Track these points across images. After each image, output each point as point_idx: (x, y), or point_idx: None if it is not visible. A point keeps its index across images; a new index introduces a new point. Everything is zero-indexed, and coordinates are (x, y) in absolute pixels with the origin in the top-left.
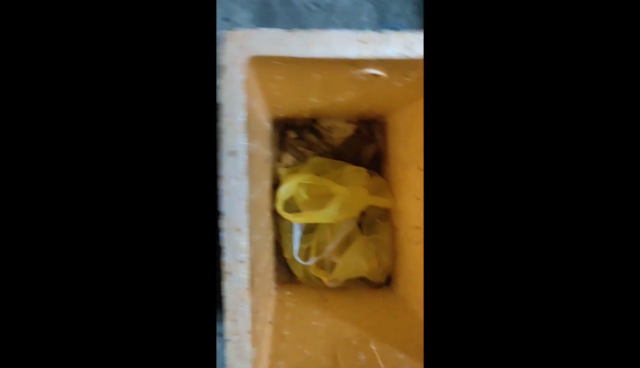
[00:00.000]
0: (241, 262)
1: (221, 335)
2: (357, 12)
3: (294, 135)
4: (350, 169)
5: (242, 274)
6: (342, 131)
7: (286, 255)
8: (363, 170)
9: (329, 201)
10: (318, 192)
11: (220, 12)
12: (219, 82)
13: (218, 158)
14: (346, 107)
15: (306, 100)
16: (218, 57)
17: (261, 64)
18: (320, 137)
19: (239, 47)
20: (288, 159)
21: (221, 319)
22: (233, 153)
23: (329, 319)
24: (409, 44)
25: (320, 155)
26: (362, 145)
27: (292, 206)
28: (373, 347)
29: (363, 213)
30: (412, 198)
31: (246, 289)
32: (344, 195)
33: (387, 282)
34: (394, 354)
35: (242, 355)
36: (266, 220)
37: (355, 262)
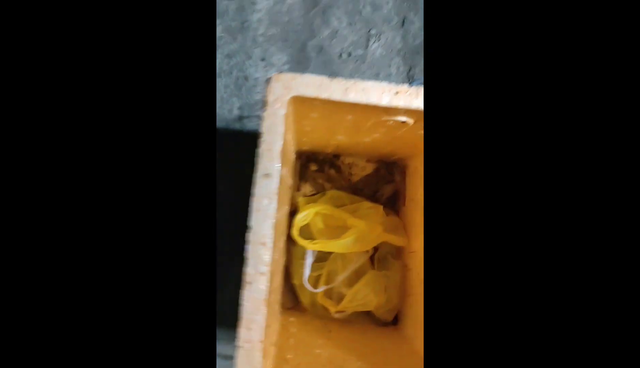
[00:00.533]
0: (262, 273)
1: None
2: (386, 64)
3: (315, 168)
4: (367, 205)
5: (262, 285)
6: (361, 169)
7: (294, 281)
8: (380, 207)
9: (345, 232)
10: (334, 223)
11: (258, 53)
12: (263, 112)
13: (253, 178)
14: (369, 148)
15: (333, 137)
16: (265, 93)
17: (300, 102)
18: (340, 173)
19: (284, 87)
20: (307, 189)
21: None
22: (267, 175)
23: (332, 349)
24: None
25: (339, 189)
26: (380, 184)
27: (307, 233)
28: None
29: (375, 249)
30: None
31: (264, 300)
32: (360, 228)
33: (393, 321)
34: None
35: (252, 363)
36: (282, 242)
37: (364, 295)
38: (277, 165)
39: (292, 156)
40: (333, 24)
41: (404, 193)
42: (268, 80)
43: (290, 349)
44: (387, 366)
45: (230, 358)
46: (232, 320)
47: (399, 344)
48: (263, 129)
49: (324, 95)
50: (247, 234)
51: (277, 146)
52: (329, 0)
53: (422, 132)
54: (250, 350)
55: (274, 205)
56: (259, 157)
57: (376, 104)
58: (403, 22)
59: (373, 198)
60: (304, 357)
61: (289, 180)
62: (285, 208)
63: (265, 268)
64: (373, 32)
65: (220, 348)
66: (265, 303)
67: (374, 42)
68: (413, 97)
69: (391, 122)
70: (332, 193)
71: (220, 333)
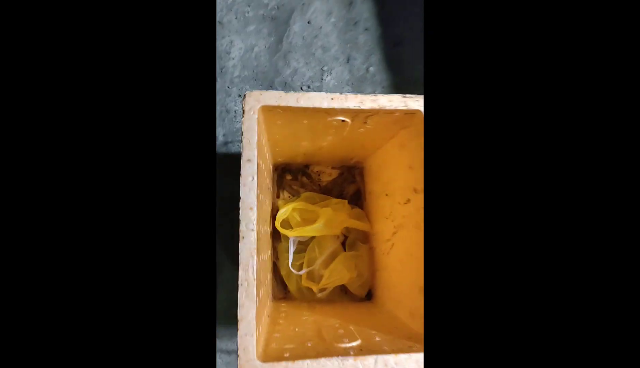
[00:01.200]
0: (252, 230)
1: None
2: (338, 92)
3: (290, 177)
4: (335, 201)
5: (252, 238)
6: (328, 175)
7: (282, 273)
8: (345, 201)
9: (317, 219)
10: (308, 216)
11: (235, 91)
12: (242, 119)
13: (240, 164)
14: (330, 153)
15: (299, 144)
16: (242, 105)
17: (268, 111)
18: (311, 179)
19: (255, 100)
20: (285, 195)
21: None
22: (249, 160)
23: (316, 316)
24: (362, 101)
25: (311, 192)
26: (344, 185)
27: (287, 226)
28: (352, 328)
29: (346, 237)
30: (383, 219)
31: (254, 249)
32: (329, 215)
33: (368, 297)
34: (369, 332)
35: (250, 296)
36: (267, 231)
37: (339, 271)
38: (255, 153)
39: (269, 165)
40: (293, 64)
41: (364, 190)
42: (243, 96)
43: (282, 318)
44: (362, 320)
45: (232, 352)
46: (230, 318)
47: (372, 309)
48: (243, 129)
49: (282, 103)
50: (239, 203)
51: (254, 140)
52: (288, 46)
53: (362, 130)
54: (247, 287)
55: (255, 180)
56: (242, 148)
57: (319, 107)
58: (348, 59)
59: (340, 197)
60: (293, 321)
61: (267, 179)
62: (268, 203)
63: (253, 226)
64: (325, 68)
65: (222, 344)
66: (255, 252)
67: (327, 76)
68: (343, 101)
69: (335, 121)
70: (305, 194)
71: (220, 330)
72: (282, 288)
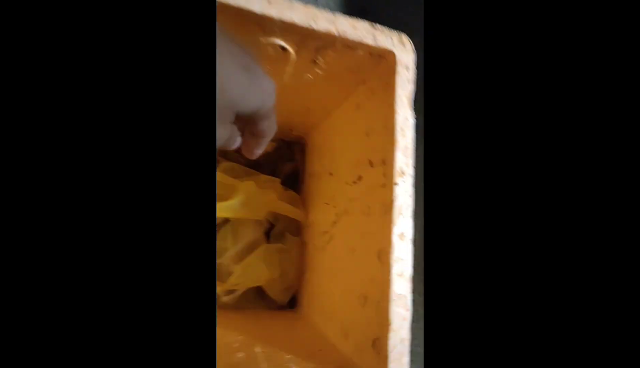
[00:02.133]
0: None
1: None
2: None
3: None
4: (264, 178)
5: None
6: None
7: None
8: (277, 180)
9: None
10: (224, 193)
11: None
12: None
13: None
14: None
15: None
16: None
17: None
18: (238, 150)
19: None
20: None
21: None
22: None
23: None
24: (315, 17)
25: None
26: (279, 163)
27: None
28: (257, 350)
29: (273, 226)
30: (322, 205)
31: None
32: (251, 191)
33: (290, 305)
34: (280, 355)
35: None
36: None
37: (256, 267)
38: None
39: None
40: None
41: (303, 171)
42: None
43: None
44: (274, 337)
45: None
46: None
47: (293, 321)
48: None
49: None
50: None
51: None
52: None
53: (310, 76)
54: None
55: None
56: None
57: (249, 9)
58: None
59: (272, 175)
60: None
61: None
62: None
63: None
64: None
65: None
66: None
67: None
68: (286, 9)
69: (270, 47)
70: (225, 164)
71: None
72: None
